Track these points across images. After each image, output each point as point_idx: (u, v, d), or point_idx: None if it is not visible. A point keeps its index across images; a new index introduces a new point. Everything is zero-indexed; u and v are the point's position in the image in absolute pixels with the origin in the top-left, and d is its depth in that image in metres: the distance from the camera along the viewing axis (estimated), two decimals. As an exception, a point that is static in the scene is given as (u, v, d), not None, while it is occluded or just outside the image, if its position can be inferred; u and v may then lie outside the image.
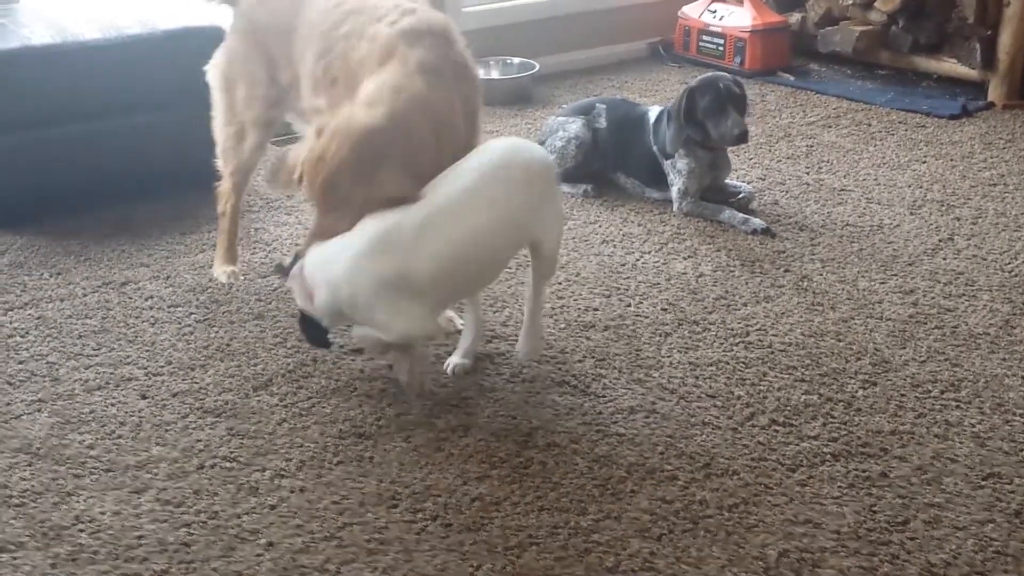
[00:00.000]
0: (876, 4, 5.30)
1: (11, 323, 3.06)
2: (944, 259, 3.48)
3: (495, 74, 5.23)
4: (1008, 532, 2.26)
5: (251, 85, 3.10)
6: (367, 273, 2.45)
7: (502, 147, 2.64)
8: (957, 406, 2.70)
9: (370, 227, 2.47)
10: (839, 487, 2.41)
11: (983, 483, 2.42)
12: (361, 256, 2.46)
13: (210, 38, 3.85)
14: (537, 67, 5.19)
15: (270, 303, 3.20)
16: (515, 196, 2.56)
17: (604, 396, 2.75)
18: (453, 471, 2.45)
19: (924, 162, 4.33)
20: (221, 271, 3.33)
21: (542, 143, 4.15)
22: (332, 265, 2.50)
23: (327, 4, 2.87)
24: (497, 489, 2.39)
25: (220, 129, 3.20)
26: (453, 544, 2.22)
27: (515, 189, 2.57)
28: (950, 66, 5.17)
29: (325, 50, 2.80)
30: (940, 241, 3.61)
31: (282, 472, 2.44)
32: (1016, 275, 3.37)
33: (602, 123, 4.05)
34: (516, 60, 5.23)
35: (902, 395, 2.75)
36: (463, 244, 2.48)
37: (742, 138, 3.77)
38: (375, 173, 2.48)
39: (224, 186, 3.27)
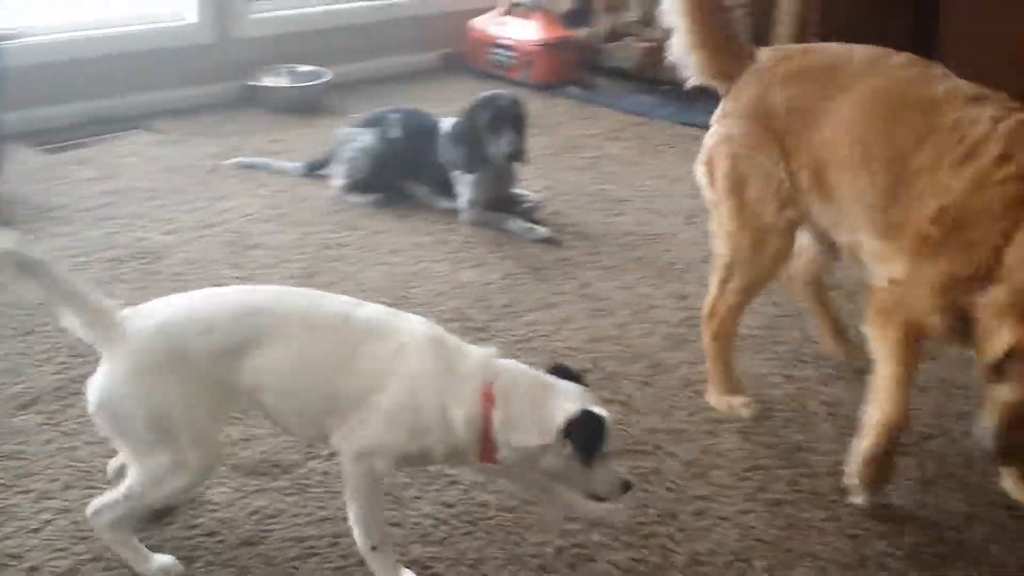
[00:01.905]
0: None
1: None
2: (717, 265, 3.65)
3: (284, 82, 5.16)
4: (767, 521, 2.39)
5: (765, 182, 2.60)
6: None
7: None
8: (725, 403, 2.84)
9: None
10: (614, 485, 2.49)
11: (746, 475, 2.55)
12: None
13: None
14: (330, 76, 5.15)
15: (36, 317, 3.03)
16: None
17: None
18: (231, 485, 2.41)
19: (701, 173, 4.52)
20: (730, 403, 2.80)
21: (333, 153, 4.13)
22: None
23: (870, 103, 2.44)
24: (276, 501, 2.37)
25: (729, 237, 2.69)
26: (228, 560, 2.19)
27: None
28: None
29: (892, 184, 2.36)
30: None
31: (47, 494, 2.34)
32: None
33: (397, 133, 4.06)
34: (306, 68, 5.17)
35: (674, 395, 2.87)
36: None
37: (515, 156, 3.85)
38: None
39: (720, 305, 2.75)
